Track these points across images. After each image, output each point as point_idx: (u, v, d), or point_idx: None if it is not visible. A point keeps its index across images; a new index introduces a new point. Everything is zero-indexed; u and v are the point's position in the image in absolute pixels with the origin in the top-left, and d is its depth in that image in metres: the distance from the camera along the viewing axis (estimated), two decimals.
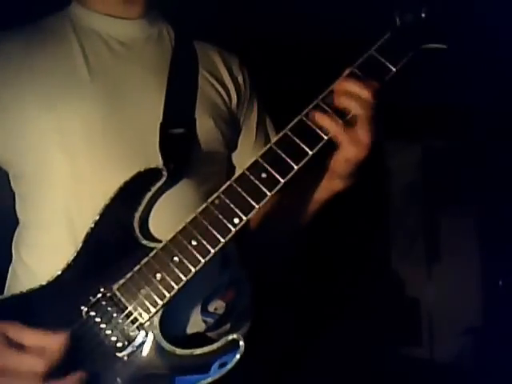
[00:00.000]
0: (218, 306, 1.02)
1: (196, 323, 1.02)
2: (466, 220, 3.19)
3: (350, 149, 0.97)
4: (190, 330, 1.02)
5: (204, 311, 1.01)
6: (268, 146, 0.96)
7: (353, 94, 0.95)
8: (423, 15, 1.01)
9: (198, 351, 0.91)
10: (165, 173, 0.99)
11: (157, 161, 1.02)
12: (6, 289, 1.11)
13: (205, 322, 1.01)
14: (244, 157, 1.20)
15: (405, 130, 3.18)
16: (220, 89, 1.17)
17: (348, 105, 0.95)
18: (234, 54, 1.27)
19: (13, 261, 1.12)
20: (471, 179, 3.10)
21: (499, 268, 2.98)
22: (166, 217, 1.00)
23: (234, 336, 0.90)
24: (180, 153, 1.05)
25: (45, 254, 1.06)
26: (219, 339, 0.92)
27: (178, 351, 0.91)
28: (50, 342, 0.86)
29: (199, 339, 0.99)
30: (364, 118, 0.95)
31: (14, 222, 1.14)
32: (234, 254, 1.12)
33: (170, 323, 0.95)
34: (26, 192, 1.10)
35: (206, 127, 1.11)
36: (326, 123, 0.95)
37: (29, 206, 1.10)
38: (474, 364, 3.03)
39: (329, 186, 1.08)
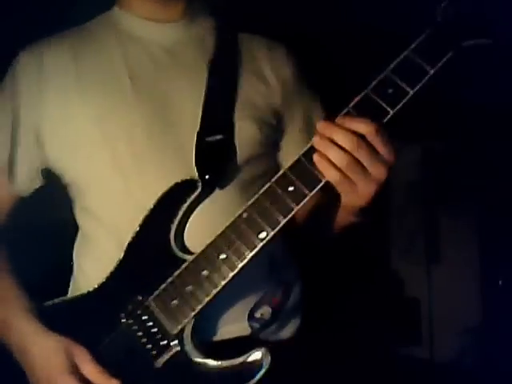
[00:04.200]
0: (264, 312, 1.02)
1: (241, 329, 1.03)
2: (466, 220, 3.19)
3: (351, 198, 0.92)
4: (234, 334, 1.05)
5: (251, 318, 1.02)
6: (297, 157, 0.92)
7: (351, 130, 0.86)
8: (464, 9, 0.89)
9: (225, 363, 0.93)
10: (199, 184, 0.98)
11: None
12: (69, 293, 1.15)
13: (251, 327, 1.02)
14: (289, 158, 1.16)
15: (405, 130, 3.18)
16: (263, 88, 1.14)
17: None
18: (281, 44, 1.22)
19: (74, 266, 1.16)
20: (471, 179, 3.10)
21: (499, 268, 2.98)
22: (205, 226, 0.98)
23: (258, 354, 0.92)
24: (216, 162, 1.04)
25: (97, 261, 1.08)
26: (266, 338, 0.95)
27: (209, 363, 0.93)
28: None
29: (244, 343, 0.99)
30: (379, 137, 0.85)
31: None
32: (283, 257, 1.13)
33: (206, 332, 0.99)
34: (79, 199, 1.12)
35: (246, 131, 1.09)
36: (321, 167, 0.87)
37: (82, 213, 1.13)
38: (474, 364, 3.03)
39: (346, 217, 1.05)
